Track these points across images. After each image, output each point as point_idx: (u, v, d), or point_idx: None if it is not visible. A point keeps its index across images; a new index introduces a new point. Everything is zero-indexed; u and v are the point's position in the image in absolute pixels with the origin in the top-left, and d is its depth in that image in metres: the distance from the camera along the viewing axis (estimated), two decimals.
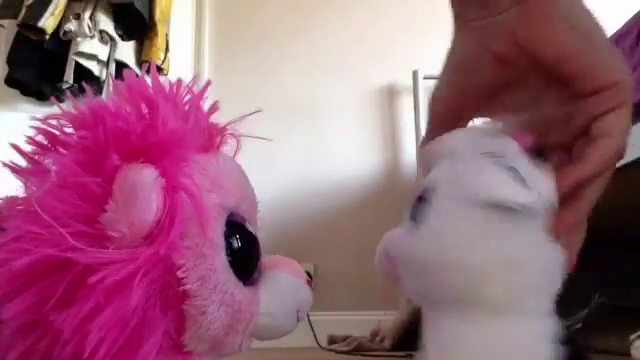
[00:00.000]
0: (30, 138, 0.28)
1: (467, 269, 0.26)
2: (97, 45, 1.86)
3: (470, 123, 0.36)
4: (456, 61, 0.34)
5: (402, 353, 1.38)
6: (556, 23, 0.29)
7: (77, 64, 1.82)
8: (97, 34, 1.86)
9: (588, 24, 0.30)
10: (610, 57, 0.30)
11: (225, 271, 0.26)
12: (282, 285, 0.29)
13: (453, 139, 0.30)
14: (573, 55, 0.29)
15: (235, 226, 0.28)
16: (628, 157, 0.88)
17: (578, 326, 1.33)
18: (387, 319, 1.67)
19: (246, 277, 0.28)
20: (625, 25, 0.97)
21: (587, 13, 0.31)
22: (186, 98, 0.30)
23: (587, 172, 0.31)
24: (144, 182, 0.24)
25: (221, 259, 0.26)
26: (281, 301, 0.29)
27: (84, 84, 0.35)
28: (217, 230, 0.27)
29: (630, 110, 0.30)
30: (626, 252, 1.83)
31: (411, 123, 2.15)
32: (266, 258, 0.30)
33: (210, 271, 0.26)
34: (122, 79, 0.29)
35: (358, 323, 1.86)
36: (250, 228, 0.29)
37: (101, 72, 1.88)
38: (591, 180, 0.31)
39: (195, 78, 0.31)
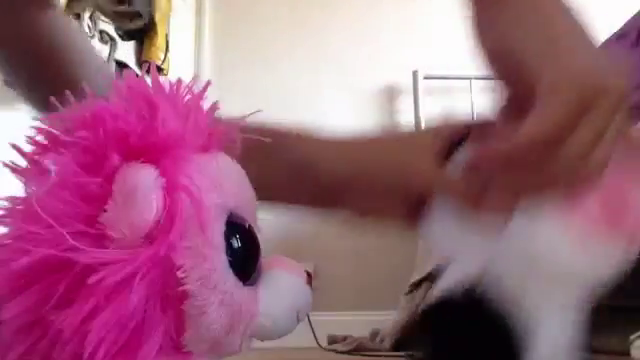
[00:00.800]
0: (30, 138, 0.28)
1: None
2: (97, 45, 1.86)
3: None
4: None
5: (402, 353, 1.38)
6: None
7: None
8: (97, 34, 1.86)
9: (521, 34, 0.31)
10: (536, 57, 0.31)
11: (225, 271, 0.26)
12: (281, 285, 0.29)
13: None
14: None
15: (235, 226, 0.28)
16: None
17: None
18: (387, 319, 1.67)
19: (246, 277, 0.28)
20: (625, 25, 0.97)
21: (525, 17, 0.32)
22: (186, 98, 0.30)
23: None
24: (144, 182, 0.24)
25: (221, 259, 0.26)
26: (280, 301, 0.29)
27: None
28: (217, 230, 0.27)
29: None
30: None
31: (411, 123, 2.15)
32: (265, 258, 0.30)
33: (210, 271, 0.26)
34: (122, 79, 0.29)
35: (358, 323, 1.86)
36: (250, 228, 0.29)
37: None
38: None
39: (195, 78, 0.31)
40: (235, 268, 0.27)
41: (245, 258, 0.28)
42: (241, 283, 0.27)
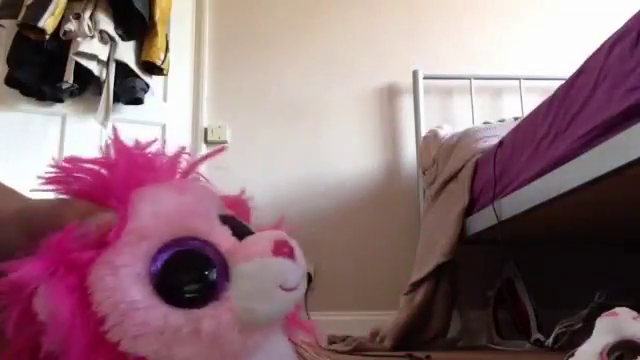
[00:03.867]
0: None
1: None
2: (97, 45, 1.86)
3: None
4: None
5: (402, 353, 1.38)
6: None
7: (77, 64, 1.82)
8: (97, 34, 1.86)
9: None
10: None
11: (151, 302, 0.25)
12: (247, 275, 0.27)
13: None
14: None
15: (168, 254, 0.27)
16: (628, 157, 0.88)
17: (578, 326, 1.33)
18: (387, 319, 1.67)
19: (191, 300, 0.26)
20: (625, 25, 0.97)
21: None
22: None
23: None
24: None
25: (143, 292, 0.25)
26: (254, 291, 0.27)
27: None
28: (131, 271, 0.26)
29: None
30: (626, 252, 1.83)
31: (411, 123, 2.15)
32: (235, 248, 0.29)
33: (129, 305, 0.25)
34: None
35: (358, 323, 1.86)
36: (196, 243, 0.28)
37: (101, 72, 1.88)
38: None
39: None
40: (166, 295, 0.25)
41: (182, 286, 0.26)
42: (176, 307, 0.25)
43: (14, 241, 0.27)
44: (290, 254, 0.28)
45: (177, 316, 0.25)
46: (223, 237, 0.28)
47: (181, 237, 0.27)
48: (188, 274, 0.26)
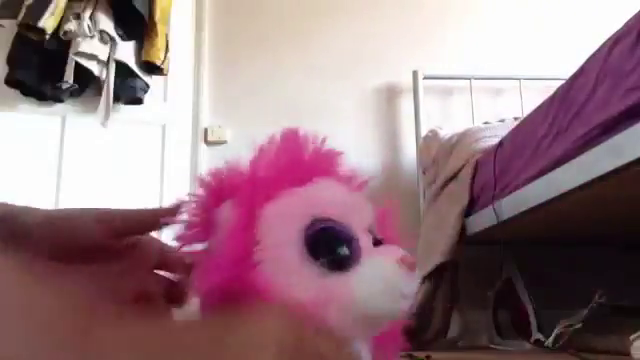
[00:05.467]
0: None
1: None
2: (97, 45, 1.86)
3: None
4: None
5: (402, 353, 1.38)
6: None
7: (77, 64, 1.83)
8: (97, 34, 1.86)
9: None
10: None
11: (301, 259, 0.30)
12: (373, 270, 0.31)
13: None
14: None
15: (317, 227, 0.32)
16: (628, 157, 0.88)
17: (578, 326, 1.33)
18: None
19: (334, 265, 0.30)
20: (625, 25, 0.97)
21: None
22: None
23: None
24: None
25: (296, 250, 0.31)
26: (370, 285, 0.30)
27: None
28: (292, 230, 0.32)
29: None
30: (626, 252, 1.83)
31: (411, 123, 2.15)
32: (376, 248, 0.33)
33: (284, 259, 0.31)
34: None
35: None
36: (333, 227, 0.32)
37: (101, 72, 1.88)
38: None
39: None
40: (317, 258, 0.30)
41: (327, 250, 0.31)
42: (326, 270, 0.30)
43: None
44: (412, 268, 0.32)
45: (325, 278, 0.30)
46: (364, 239, 0.34)
47: (324, 217, 0.32)
48: (334, 249, 0.31)
